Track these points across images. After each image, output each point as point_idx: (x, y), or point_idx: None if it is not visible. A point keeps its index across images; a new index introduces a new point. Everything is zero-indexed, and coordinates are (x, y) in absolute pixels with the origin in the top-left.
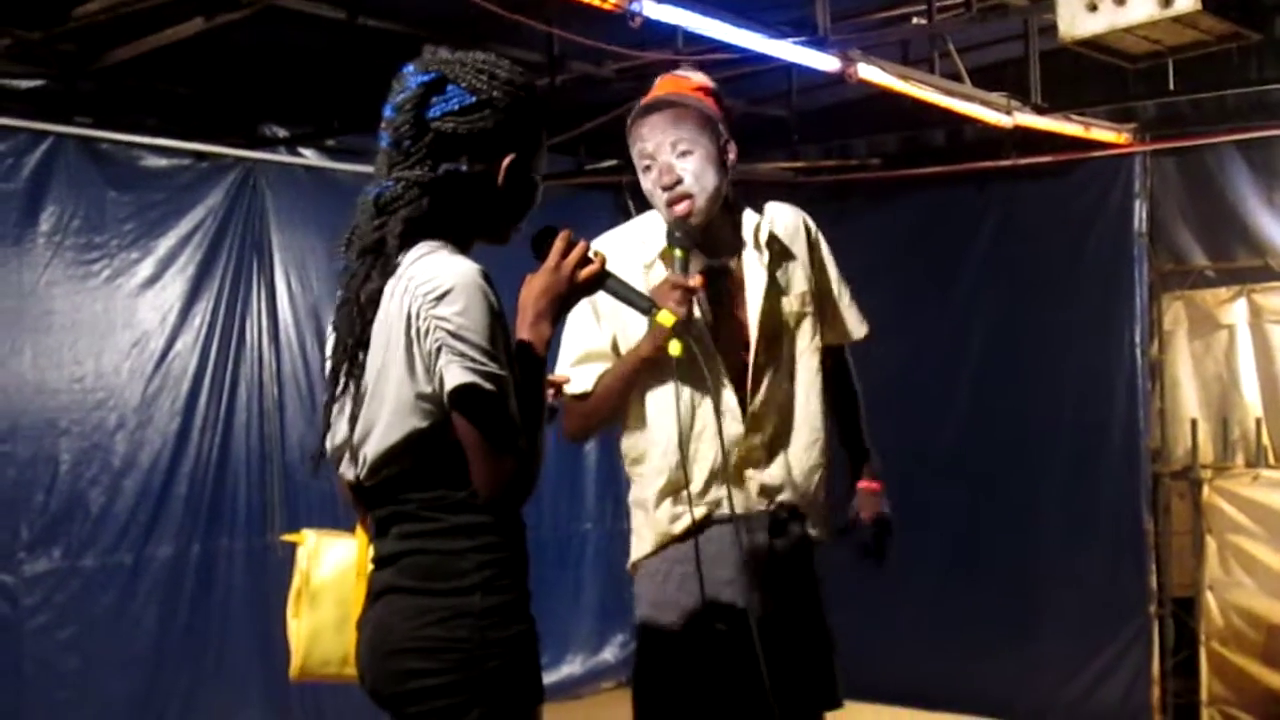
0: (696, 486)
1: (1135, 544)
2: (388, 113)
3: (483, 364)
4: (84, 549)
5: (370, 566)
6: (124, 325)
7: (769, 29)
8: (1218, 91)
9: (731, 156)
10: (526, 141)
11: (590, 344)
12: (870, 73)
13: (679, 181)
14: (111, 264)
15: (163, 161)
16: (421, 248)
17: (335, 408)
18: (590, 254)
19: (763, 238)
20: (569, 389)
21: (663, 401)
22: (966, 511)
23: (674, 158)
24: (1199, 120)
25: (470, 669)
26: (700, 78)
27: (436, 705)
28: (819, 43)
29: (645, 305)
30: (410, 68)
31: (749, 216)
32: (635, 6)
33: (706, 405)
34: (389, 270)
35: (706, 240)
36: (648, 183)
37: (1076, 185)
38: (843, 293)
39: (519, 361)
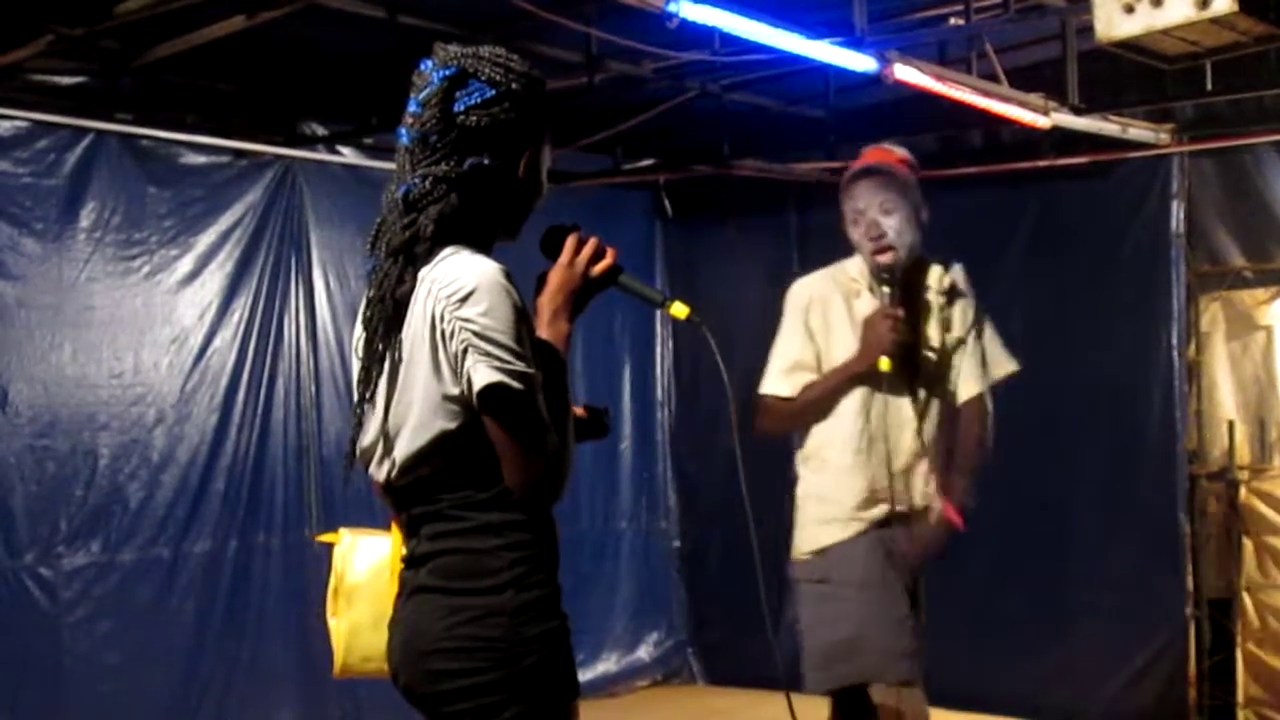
0: (883, 484)
1: (1171, 545)
2: (413, 108)
3: (510, 363)
4: (122, 543)
5: (401, 565)
6: (163, 321)
7: (806, 30)
8: (1256, 92)
9: (924, 217)
10: (540, 134)
11: (800, 355)
12: (907, 73)
13: (883, 235)
14: (151, 260)
15: (202, 158)
16: (444, 249)
17: (367, 408)
18: (603, 248)
19: (945, 285)
20: (775, 391)
21: (854, 408)
22: (1002, 512)
23: (880, 216)
24: (1237, 121)
25: (505, 667)
26: (902, 151)
27: (472, 705)
28: (856, 43)
29: (658, 300)
30: (429, 64)
31: (934, 268)
32: (672, 7)
33: (896, 418)
34: (417, 272)
35: (903, 284)
36: (856, 234)
37: (1114, 186)
38: (971, 348)
39: (541, 359)
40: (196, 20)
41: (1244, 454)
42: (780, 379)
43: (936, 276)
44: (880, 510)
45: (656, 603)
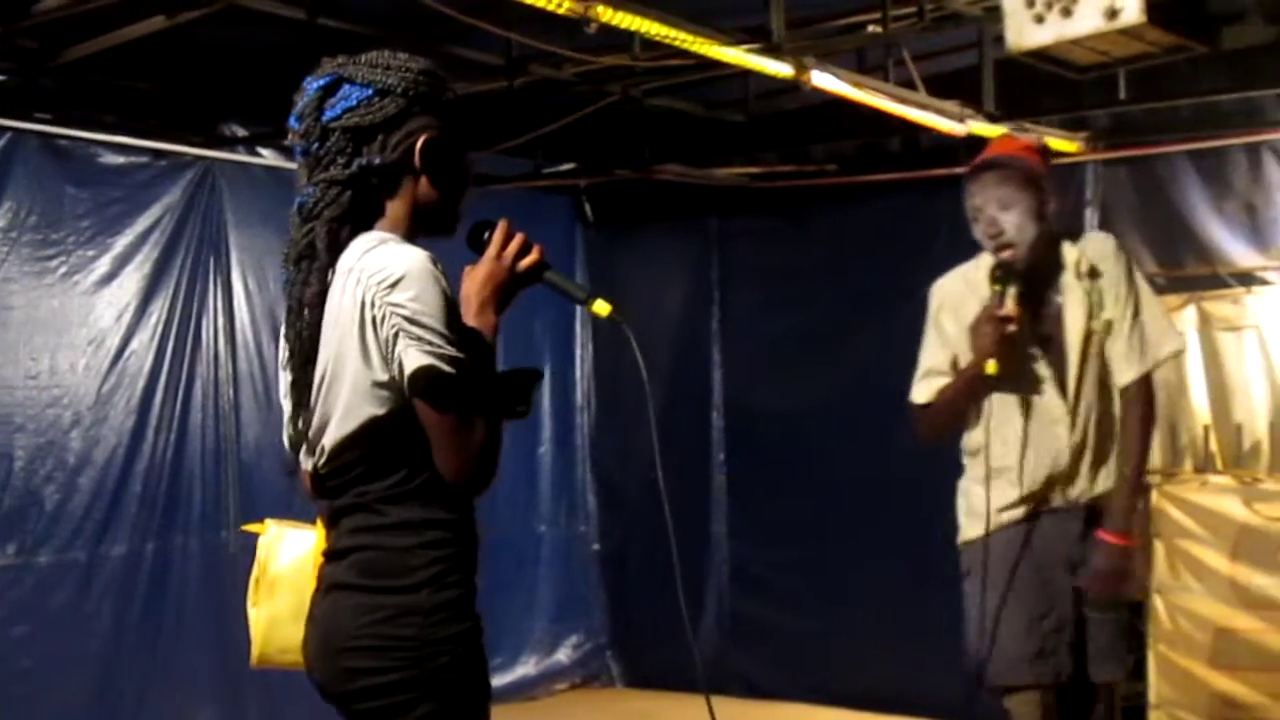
0: (1032, 486)
1: None
2: (292, 123)
3: (441, 347)
4: (38, 546)
5: (322, 559)
6: (80, 322)
7: (725, 35)
8: (1169, 101)
9: (1051, 207)
10: (438, 123)
11: (934, 363)
12: (824, 80)
13: (1002, 233)
14: (68, 261)
15: (121, 159)
16: (369, 240)
17: (290, 399)
18: (529, 244)
19: (1083, 268)
20: (914, 398)
21: (995, 410)
22: (924, 514)
23: (998, 212)
24: (1151, 129)
25: (418, 666)
26: (1028, 138)
27: (384, 702)
28: (774, 50)
29: (581, 296)
30: (308, 78)
31: (1069, 249)
32: (590, 12)
33: (1043, 416)
34: (326, 272)
35: (1033, 275)
36: (977, 232)
37: None
38: (1127, 327)
39: (470, 348)
40: (116, 20)
41: (1156, 458)
42: (918, 386)
43: (1074, 259)
44: (1024, 511)
45: (576, 606)
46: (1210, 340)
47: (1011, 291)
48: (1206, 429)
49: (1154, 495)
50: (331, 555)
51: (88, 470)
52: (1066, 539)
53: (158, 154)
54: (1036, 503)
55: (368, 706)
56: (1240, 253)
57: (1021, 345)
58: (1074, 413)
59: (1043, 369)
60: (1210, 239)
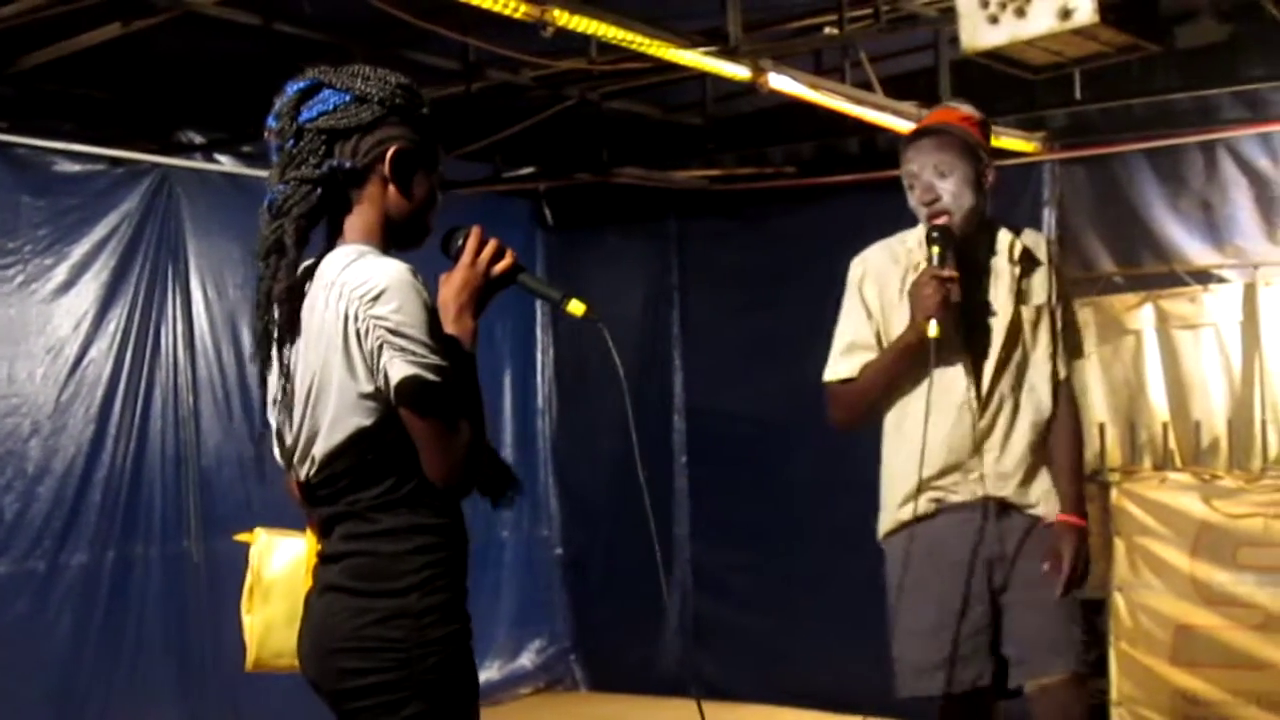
0: (930, 471)
1: None
2: (269, 123)
3: (425, 357)
4: None
5: (316, 560)
6: (37, 331)
7: (681, 38)
8: (1124, 100)
9: (990, 179)
10: (411, 135)
11: (857, 336)
12: (781, 82)
13: (937, 199)
14: (25, 269)
15: (77, 167)
16: (348, 253)
17: (278, 411)
18: (502, 249)
19: (1016, 252)
20: (835, 374)
21: (908, 392)
22: (877, 513)
23: (934, 178)
24: (1107, 128)
25: (408, 667)
26: (968, 109)
27: (374, 702)
28: (731, 52)
29: (556, 297)
30: (289, 81)
31: (1003, 234)
32: (546, 16)
33: (946, 398)
34: (294, 268)
35: (964, 249)
36: (912, 200)
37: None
38: (1060, 321)
39: (451, 355)
40: (72, 27)
41: (1115, 456)
42: (839, 361)
43: (1007, 242)
44: (927, 504)
45: (539, 610)
46: (1168, 338)
47: (950, 254)
48: (1165, 426)
49: (1113, 492)
50: (326, 559)
51: (47, 479)
52: (983, 536)
53: (114, 162)
54: (942, 494)
55: (358, 705)
56: (1197, 250)
57: (948, 320)
58: (985, 398)
59: (959, 350)
60: (1167, 237)
